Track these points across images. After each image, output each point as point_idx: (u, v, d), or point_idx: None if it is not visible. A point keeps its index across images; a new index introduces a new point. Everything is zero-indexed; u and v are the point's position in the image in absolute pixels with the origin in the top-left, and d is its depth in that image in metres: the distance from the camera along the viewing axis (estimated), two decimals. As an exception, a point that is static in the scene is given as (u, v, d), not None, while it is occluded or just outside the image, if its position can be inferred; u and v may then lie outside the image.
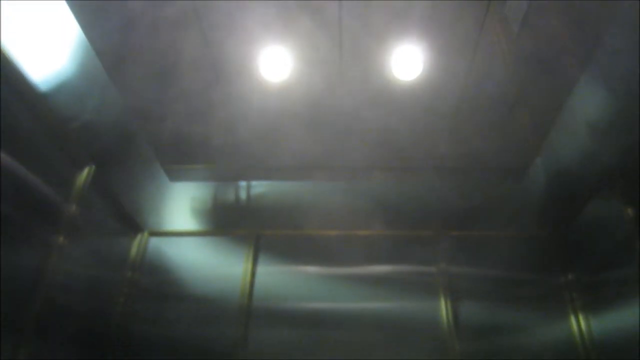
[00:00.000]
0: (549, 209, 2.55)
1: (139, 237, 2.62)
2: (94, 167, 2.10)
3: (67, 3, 1.68)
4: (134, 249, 2.57)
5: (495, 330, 2.31)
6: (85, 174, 2.09)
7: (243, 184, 2.62)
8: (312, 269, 2.52)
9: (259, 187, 2.64)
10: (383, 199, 2.61)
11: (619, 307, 2.06)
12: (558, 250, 2.53)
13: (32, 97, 1.70)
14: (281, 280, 2.49)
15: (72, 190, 2.02)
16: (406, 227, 2.62)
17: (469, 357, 2.24)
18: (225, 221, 2.71)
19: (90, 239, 2.18)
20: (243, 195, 2.68)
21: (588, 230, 2.32)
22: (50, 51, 1.73)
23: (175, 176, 2.59)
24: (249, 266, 2.51)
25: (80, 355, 2.09)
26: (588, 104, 2.02)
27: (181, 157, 2.50)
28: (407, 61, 2.10)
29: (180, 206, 2.68)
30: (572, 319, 2.33)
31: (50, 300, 1.82)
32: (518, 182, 2.56)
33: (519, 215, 2.58)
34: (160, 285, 2.50)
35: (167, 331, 2.36)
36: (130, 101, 2.14)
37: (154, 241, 2.64)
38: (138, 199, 2.54)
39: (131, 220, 2.55)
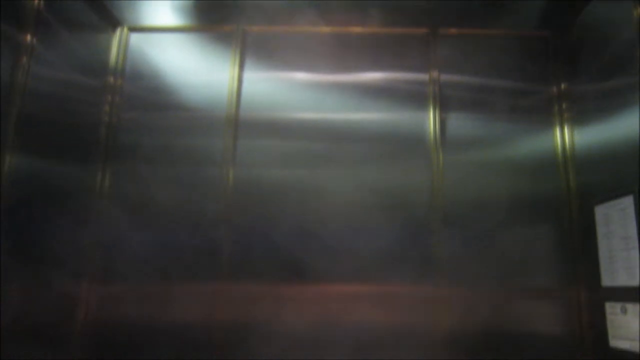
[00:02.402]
0: (551, 6, 2.37)
1: (118, 33, 2.46)
2: (55, -60, 1.86)
3: None
4: (114, 49, 2.43)
5: (479, 141, 2.35)
6: (47, -52, 1.85)
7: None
8: (301, 75, 2.44)
9: (244, -24, 2.41)
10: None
11: (605, 119, 2.04)
12: (554, 56, 2.44)
13: None
14: (269, 87, 2.42)
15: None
16: (402, 23, 2.47)
17: (451, 167, 2.30)
18: (209, 16, 2.50)
19: (64, 37, 2.03)
20: (227, -14, 2.45)
21: (589, 34, 2.19)
22: None
23: (151, -36, 2.34)
24: (236, 71, 2.42)
25: (70, 167, 2.10)
26: None
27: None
28: None
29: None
30: (557, 131, 2.35)
31: (28, 109, 1.73)
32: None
33: (520, 13, 2.41)
34: (145, 92, 2.42)
35: (157, 142, 2.35)
36: None
37: (135, 39, 2.48)
38: (112, -12, 2.33)
39: (107, 13, 2.37)
